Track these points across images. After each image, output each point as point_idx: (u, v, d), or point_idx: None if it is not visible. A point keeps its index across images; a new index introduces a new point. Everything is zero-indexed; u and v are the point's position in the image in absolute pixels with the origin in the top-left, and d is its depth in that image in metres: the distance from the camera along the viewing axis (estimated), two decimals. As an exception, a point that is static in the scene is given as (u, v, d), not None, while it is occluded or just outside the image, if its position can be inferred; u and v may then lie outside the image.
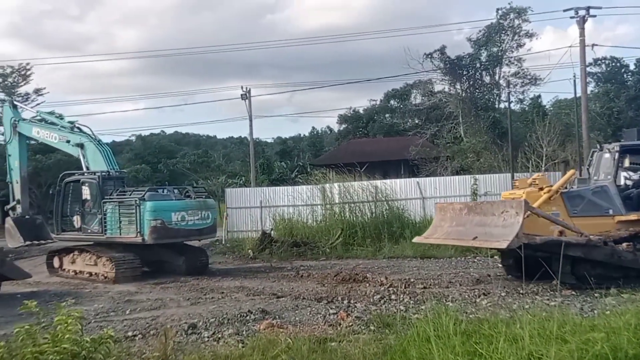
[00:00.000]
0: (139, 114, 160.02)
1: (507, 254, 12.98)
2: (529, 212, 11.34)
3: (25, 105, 47.28)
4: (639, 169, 13.86)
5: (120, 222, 16.61)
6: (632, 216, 12.57)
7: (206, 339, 8.70)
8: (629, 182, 13.74)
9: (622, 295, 10.67)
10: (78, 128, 19.28)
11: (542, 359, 5.48)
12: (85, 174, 17.96)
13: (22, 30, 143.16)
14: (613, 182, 13.04)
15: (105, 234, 16.91)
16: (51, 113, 20.12)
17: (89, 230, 17.53)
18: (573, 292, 11.30)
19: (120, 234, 16.65)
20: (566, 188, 13.22)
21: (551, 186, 12.80)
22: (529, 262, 11.55)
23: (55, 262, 18.17)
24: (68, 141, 18.68)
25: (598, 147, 14.62)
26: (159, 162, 65.90)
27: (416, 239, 14.46)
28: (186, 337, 8.92)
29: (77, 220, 17.86)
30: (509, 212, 11.37)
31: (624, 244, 12.01)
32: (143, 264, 17.15)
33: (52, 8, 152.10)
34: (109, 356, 6.07)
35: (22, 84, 48.14)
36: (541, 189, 12.74)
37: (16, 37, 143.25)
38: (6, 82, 47.51)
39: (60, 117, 19.66)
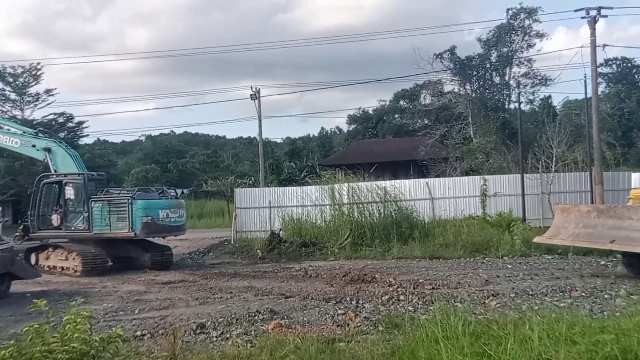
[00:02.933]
0: (149, 114, 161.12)
1: (631, 254, 12.86)
2: None
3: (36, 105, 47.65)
4: None
5: (110, 219, 17.79)
6: None
7: (214, 339, 8.71)
8: None
9: (632, 296, 10.62)
10: (42, 133, 20.36)
11: (551, 361, 5.47)
12: (69, 176, 18.80)
13: (34, 29, 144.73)
14: None
15: (93, 230, 17.98)
16: (11, 120, 20.45)
17: (72, 228, 18.61)
18: (582, 294, 11.25)
19: (111, 230, 17.83)
20: None
21: None
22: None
23: (32, 259, 19.10)
24: (34, 146, 19.42)
25: None
26: (168, 162, 66.32)
27: (537, 239, 14.72)
28: (194, 336, 8.93)
29: (56, 219, 18.76)
30: None
31: None
32: (110, 259, 18.66)
33: (65, 8, 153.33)
34: (118, 355, 6.07)
35: (32, 84, 48.32)
36: None
37: (28, 37, 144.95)
38: (17, 82, 47.68)
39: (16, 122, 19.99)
